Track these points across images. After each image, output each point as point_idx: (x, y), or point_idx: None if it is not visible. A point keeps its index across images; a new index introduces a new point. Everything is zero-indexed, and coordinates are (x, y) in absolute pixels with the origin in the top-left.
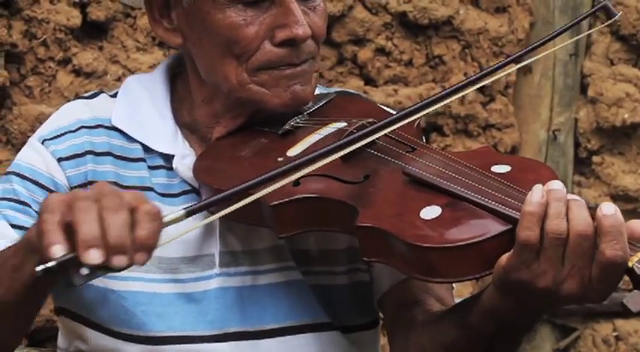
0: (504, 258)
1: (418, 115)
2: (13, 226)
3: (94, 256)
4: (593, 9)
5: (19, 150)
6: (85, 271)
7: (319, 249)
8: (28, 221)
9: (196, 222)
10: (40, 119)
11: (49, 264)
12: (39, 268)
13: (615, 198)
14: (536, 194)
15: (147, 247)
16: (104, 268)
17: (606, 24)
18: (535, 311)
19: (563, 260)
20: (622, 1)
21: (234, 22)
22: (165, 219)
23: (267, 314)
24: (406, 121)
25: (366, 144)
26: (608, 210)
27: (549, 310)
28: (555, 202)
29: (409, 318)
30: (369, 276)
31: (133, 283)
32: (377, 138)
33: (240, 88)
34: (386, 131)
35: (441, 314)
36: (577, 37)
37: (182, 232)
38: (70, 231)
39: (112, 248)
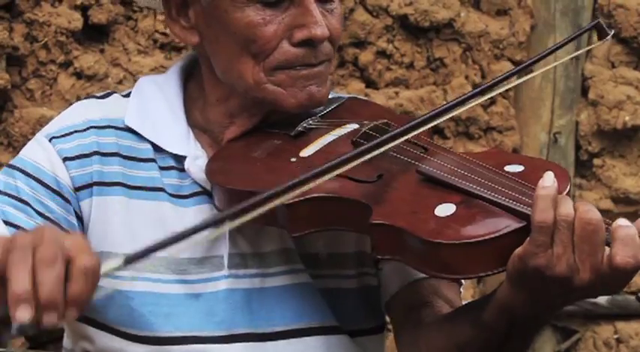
0: (520, 248)
1: (431, 124)
2: (7, 223)
3: (23, 314)
4: (588, 26)
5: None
6: (14, 327)
7: (328, 253)
8: (24, 220)
9: (216, 230)
10: (42, 122)
11: None
12: None
13: (616, 200)
14: (548, 178)
15: (78, 304)
16: (35, 324)
17: (600, 43)
18: (548, 306)
19: (573, 245)
20: (623, 3)
21: (252, 21)
22: (103, 270)
23: (275, 316)
24: (421, 130)
25: (380, 144)
26: (624, 222)
27: (562, 305)
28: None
29: (418, 320)
30: (377, 280)
31: (141, 283)
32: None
33: (257, 88)
34: (403, 139)
35: (453, 314)
36: (575, 53)
37: (200, 240)
38: (4, 282)
39: (42, 305)
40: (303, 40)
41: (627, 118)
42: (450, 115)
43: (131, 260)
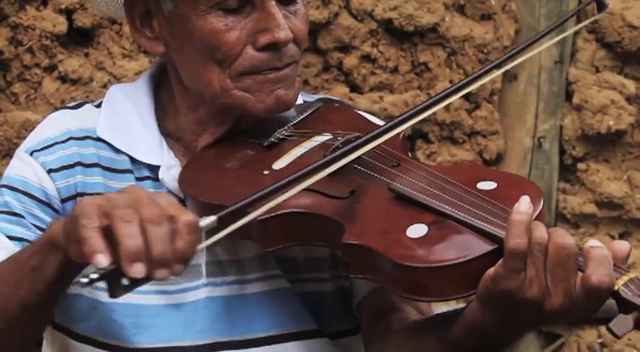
0: (491, 269)
1: (403, 127)
2: (10, 238)
3: (139, 270)
4: (581, 5)
5: (4, 156)
6: (125, 282)
7: (305, 257)
8: (23, 232)
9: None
10: (26, 126)
11: (93, 276)
12: (83, 279)
13: (600, 205)
14: (524, 203)
15: (186, 259)
16: (145, 279)
17: (597, 16)
18: (519, 328)
19: (545, 269)
20: None
21: (215, 28)
22: (202, 225)
23: (254, 323)
24: (393, 133)
25: (346, 153)
26: (596, 242)
27: (533, 327)
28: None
29: (386, 326)
30: (350, 282)
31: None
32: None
33: (224, 94)
34: (374, 144)
35: (421, 325)
36: (562, 35)
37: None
38: (110, 237)
39: (155, 261)
40: (267, 45)
41: (611, 123)
42: (412, 123)
43: (224, 217)
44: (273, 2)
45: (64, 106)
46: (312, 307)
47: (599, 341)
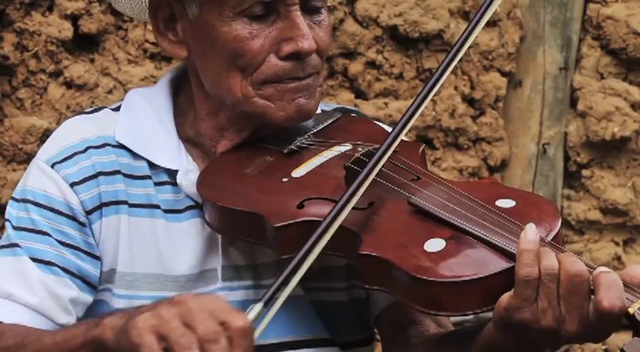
0: (504, 298)
1: (411, 121)
2: (37, 260)
3: None
4: None
5: (10, 161)
6: None
7: (319, 265)
8: (49, 252)
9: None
10: (32, 131)
11: None
12: None
13: (605, 211)
14: (530, 232)
15: None
16: None
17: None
18: (537, 347)
19: (558, 298)
20: (612, 15)
21: (239, 36)
22: (251, 319)
23: (268, 328)
24: (405, 130)
25: (370, 170)
26: (605, 269)
27: (550, 348)
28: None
29: (405, 338)
30: (366, 293)
31: (138, 302)
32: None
33: (245, 101)
34: (392, 149)
35: (440, 340)
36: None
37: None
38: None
39: None
40: (291, 54)
41: (616, 129)
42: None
43: (268, 299)
44: (299, 12)
45: (80, 112)
46: (324, 316)
47: (604, 347)
